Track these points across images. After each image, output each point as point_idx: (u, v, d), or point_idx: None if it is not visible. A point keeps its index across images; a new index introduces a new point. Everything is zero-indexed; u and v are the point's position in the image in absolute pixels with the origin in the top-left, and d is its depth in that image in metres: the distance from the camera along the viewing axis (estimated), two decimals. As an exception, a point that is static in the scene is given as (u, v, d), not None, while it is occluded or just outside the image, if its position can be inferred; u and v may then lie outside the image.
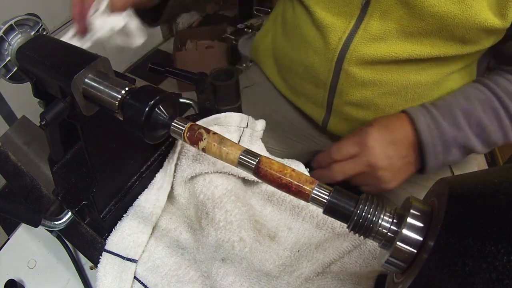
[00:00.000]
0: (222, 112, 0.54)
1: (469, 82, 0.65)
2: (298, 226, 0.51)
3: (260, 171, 0.35)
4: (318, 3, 0.63)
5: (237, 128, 0.54)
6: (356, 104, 0.68)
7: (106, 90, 0.39)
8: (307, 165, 0.56)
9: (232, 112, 0.54)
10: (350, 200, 0.32)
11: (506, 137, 0.61)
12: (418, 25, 0.55)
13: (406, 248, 0.28)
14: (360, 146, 0.61)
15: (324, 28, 0.63)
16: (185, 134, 0.39)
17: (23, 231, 0.64)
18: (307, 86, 0.73)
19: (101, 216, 0.49)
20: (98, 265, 0.48)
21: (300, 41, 0.69)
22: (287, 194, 0.35)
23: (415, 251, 0.27)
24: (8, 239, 0.64)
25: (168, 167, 0.52)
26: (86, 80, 0.39)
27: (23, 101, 1.63)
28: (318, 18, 0.63)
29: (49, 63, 0.41)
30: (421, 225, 0.28)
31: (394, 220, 0.30)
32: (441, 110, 0.60)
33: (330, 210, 0.32)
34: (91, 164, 0.46)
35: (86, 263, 0.58)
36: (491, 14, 0.52)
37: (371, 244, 0.48)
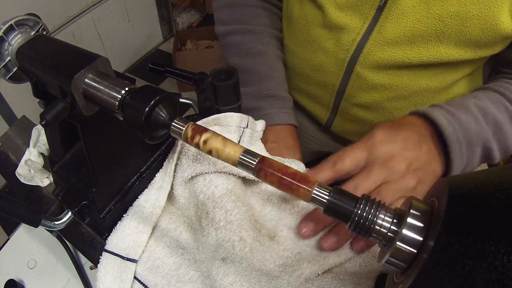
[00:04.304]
0: (222, 112, 0.54)
1: (474, 90, 0.63)
2: (297, 225, 0.51)
3: (260, 171, 0.35)
4: (331, 2, 0.60)
5: (237, 128, 0.54)
6: (364, 106, 0.67)
7: (106, 90, 0.39)
8: (308, 165, 0.56)
9: (232, 112, 0.54)
10: (350, 200, 0.32)
11: None
12: (436, 28, 0.54)
13: (406, 248, 0.28)
14: (367, 147, 0.49)
15: (337, 28, 0.61)
16: (185, 134, 0.39)
17: (23, 231, 0.64)
18: (313, 87, 0.72)
19: (101, 216, 0.49)
20: (98, 265, 0.48)
21: (308, 41, 0.67)
22: (287, 194, 0.35)
23: (415, 251, 0.27)
24: (8, 239, 0.64)
25: (168, 167, 0.52)
26: (86, 80, 0.39)
27: (23, 101, 1.64)
28: (331, 18, 0.61)
29: (49, 63, 0.41)
30: (421, 225, 0.28)
31: (394, 220, 0.30)
32: (454, 105, 0.53)
33: (330, 210, 0.32)
34: (91, 164, 0.46)
35: (86, 263, 0.58)
36: (509, 18, 0.51)
37: (371, 244, 0.48)
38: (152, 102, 0.37)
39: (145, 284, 0.48)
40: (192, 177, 0.50)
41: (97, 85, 0.39)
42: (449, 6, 0.52)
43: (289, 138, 0.66)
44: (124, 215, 0.51)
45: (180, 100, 0.59)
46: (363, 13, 0.58)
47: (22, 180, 0.58)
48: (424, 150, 0.49)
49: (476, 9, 0.51)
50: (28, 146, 0.60)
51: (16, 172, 0.58)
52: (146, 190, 0.53)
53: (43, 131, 0.59)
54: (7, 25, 0.45)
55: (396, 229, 0.29)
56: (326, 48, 0.64)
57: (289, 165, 0.36)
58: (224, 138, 0.38)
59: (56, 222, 0.49)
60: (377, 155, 0.48)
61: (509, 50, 0.58)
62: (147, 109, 0.36)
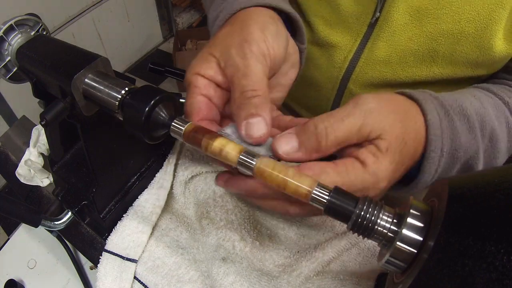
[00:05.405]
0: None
1: (469, 87, 0.57)
2: (297, 225, 0.51)
3: (260, 171, 0.35)
4: (320, 19, 0.58)
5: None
6: None
7: (106, 90, 0.39)
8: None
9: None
10: (350, 200, 0.32)
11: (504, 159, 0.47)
12: (429, 46, 0.52)
13: (406, 248, 0.28)
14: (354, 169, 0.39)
15: (328, 46, 0.59)
16: (185, 134, 0.39)
17: (23, 231, 0.64)
18: (309, 99, 0.71)
19: (101, 216, 0.49)
20: (98, 265, 0.48)
21: None
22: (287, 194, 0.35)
23: (415, 251, 0.27)
24: (8, 239, 0.64)
25: (168, 166, 0.52)
26: (86, 80, 0.40)
27: (23, 101, 1.64)
28: (320, 35, 0.59)
29: (49, 63, 0.41)
30: (421, 225, 0.28)
31: (394, 220, 0.30)
32: (454, 108, 0.43)
33: (330, 210, 0.32)
34: (91, 164, 0.46)
35: (86, 263, 0.58)
36: (502, 39, 0.49)
37: (370, 242, 0.48)
38: (152, 102, 0.37)
39: (145, 284, 0.48)
40: (193, 177, 0.50)
41: (97, 85, 0.39)
42: (442, 24, 0.50)
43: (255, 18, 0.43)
44: (124, 215, 0.51)
45: (180, 100, 0.59)
46: (354, 30, 0.57)
47: (22, 180, 0.58)
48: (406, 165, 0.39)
49: (471, 27, 0.49)
50: (28, 146, 0.60)
51: (16, 172, 0.58)
52: (146, 190, 0.53)
53: (43, 131, 0.59)
54: (7, 25, 0.45)
55: (396, 229, 0.29)
56: (319, 65, 0.63)
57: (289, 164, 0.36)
58: (224, 138, 0.38)
59: (56, 222, 0.49)
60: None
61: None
62: (147, 109, 0.36)
